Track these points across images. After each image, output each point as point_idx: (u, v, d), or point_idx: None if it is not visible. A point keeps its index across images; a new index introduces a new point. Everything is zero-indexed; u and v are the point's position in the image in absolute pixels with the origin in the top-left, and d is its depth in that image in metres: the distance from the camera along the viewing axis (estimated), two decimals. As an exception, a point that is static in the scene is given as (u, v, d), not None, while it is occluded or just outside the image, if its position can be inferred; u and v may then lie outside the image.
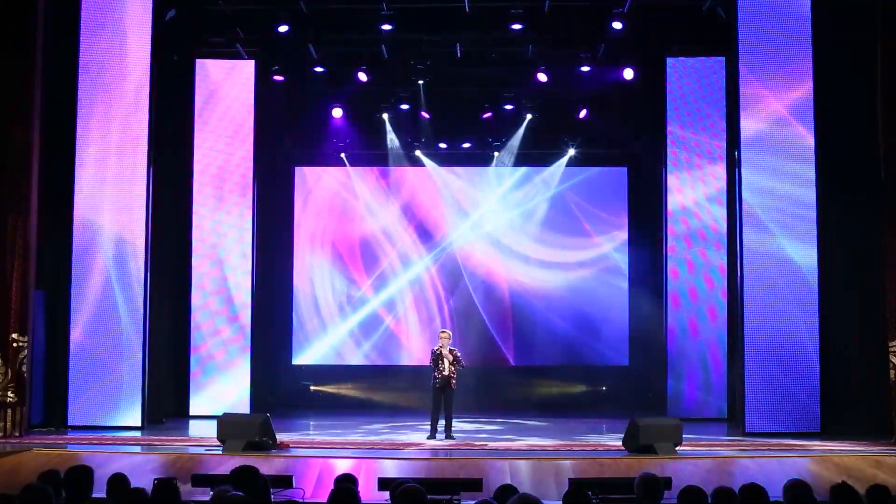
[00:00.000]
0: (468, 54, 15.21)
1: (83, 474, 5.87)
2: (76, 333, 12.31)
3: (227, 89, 15.16)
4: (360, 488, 5.81)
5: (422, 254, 17.24)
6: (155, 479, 5.92)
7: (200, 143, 15.05)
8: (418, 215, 17.26)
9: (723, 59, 14.51)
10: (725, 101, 14.49)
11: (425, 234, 17.27)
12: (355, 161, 17.28)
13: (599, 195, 17.15)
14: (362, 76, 15.27)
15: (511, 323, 17.05)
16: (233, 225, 15.01)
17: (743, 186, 12.17)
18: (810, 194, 12.01)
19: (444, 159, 17.26)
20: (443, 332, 12.45)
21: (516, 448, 10.97)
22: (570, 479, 8.04)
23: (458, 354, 12.19)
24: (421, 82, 15.45)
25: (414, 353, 16.87)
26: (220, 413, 11.88)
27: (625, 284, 16.93)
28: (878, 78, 11.60)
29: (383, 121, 16.58)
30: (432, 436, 11.91)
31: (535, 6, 13.58)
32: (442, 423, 12.05)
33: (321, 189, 17.40)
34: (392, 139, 16.70)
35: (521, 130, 16.56)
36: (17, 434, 11.35)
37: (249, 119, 15.13)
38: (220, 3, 13.81)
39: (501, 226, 17.24)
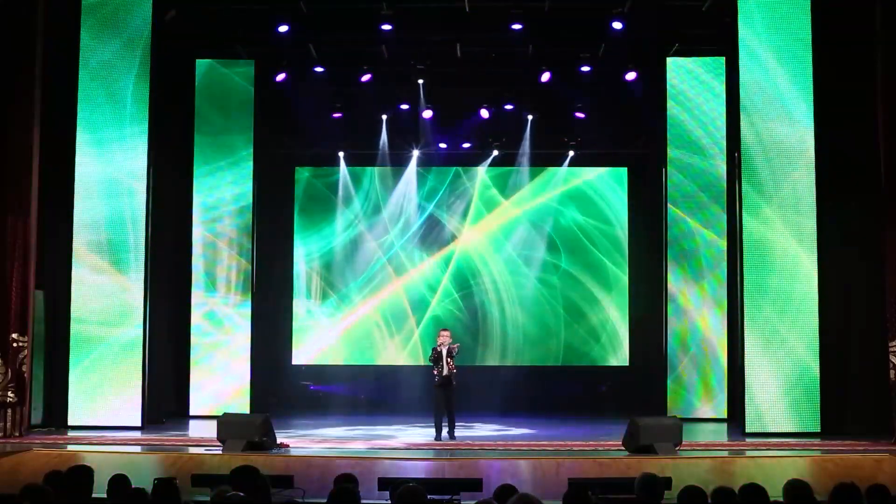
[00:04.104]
0: (468, 54, 15.20)
1: (83, 474, 5.87)
2: (76, 333, 12.31)
3: (226, 89, 15.17)
4: (360, 488, 5.80)
5: (422, 253, 17.24)
6: (155, 479, 5.92)
7: (200, 142, 15.07)
8: (418, 215, 17.25)
9: (723, 59, 14.52)
10: (725, 101, 14.49)
11: (426, 233, 17.27)
12: (355, 161, 17.27)
13: (599, 196, 17.15)
14: (363, 76, 15.26)
15: (511, 323, 17.04)
16: (233, 225, 15.02)
17: (743, 186, 12.17)
18: (810, 194, 12.02)
19: (444, 159, 17.25)
20: (442, 331, 12.44)
21: (516, 448, 10.97)
22: (569, 479, 8.04)
23: (454, 349, 12.15)
24: (421, 82, 15.44)
25: (414, 352, 16.87)
26: (220, 413, 11.90)
27: (625, 284, 16.94)
28: (878, 78, 11.59)
29: (383, 121, 16.55)
30: (438, 437, 11.88)
31: (535, 6, 13.57)
32: (444, 423, 12.03)
33: (321, 189, 17.39)
34: (384, 141, 16.68)
35: (528, 133, 16.54)
36: (17, 434, 11.35)
37: (249, 119, 15.14)
38: (220, 3, 13.80)
39: (501, 226, 17.24)
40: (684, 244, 14.88)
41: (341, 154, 17.13)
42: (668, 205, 14.94)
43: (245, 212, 15.07)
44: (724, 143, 14.63)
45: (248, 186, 15.10)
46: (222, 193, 15.09)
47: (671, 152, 14.89)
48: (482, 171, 17.27)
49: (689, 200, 14.87)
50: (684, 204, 14.88)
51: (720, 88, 14.70)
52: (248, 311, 14.99)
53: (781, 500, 5.46)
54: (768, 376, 11.90)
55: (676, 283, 14.86)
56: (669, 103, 14.90)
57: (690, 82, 14.90)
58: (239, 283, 15.02)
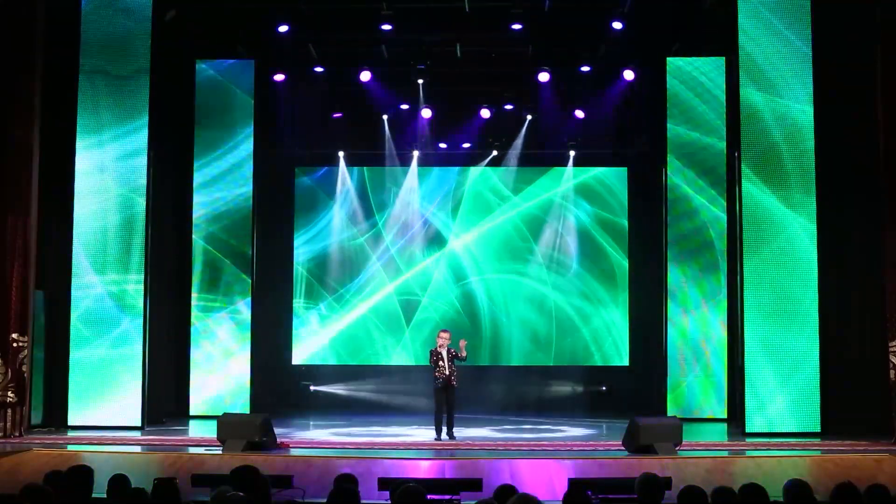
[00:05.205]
0: (468, 54, 15.20)
1: (83, 474, 5.87)
2: (76, 333, 12.31)
3: (226, 89, 15.19)
4: (360, 488, 5.80)
5: (421, 254, 17.24)
6: (155, 479, 5.93)
7: (200, 142, 15.08)
8: (418, 215, 17.25)
9: (723, 59, 14.52)
10: (725, 101, 14.50)
11: (425, 234, 17.26)
12: (355, 161, 17.28)
13: (599, 195, 17.15)
14: (363, 76, 15.26)
15: (511, 323, 17.04)
16: (233, 225, 15.03)
17: (743, 186, 12.17)
18: (811, 194, 12.01)
19: (444, 159, 17.26)
20: (442, 332, 12.34)
21: (516, 448, 10.97)
22: (570, 479, 8.04)
23: (454, 351, 12.09)
24: (421, 82, 15.44)
25: (414, 352, 16.86)
26: (220, 413, 11.90)
27: (625, 284, 16.93)
28: (877, 78, 11.59)
29: (383, 121, 16.58)
30: (438, 437, 11.89)
31: (535, 6, 13.57)
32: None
33: (320, 189, 17.40)
34: (384, 142, 16.69)
35: (523, 132, 16.57)
36: (17, 434, 11.34)
37: (250, 119, 15.15)
38: (220, 3, 13.80)
39: (502, 225, 17.24)
40: (684, 243, 14.88)
41: (341, 154, 17.14)
42: (668, 204, 14.94)
43: (245, 212, 15.07)
44: (723, 142, 14.61)
45: (248, 186, 15.10)
46: (222, 193, 15.09)
47: (671, 152, 14.86)
48: (482, 171, 17.26)
49: (689, 200, 14.86)
50: (683, 203, 14.87)
51: (720, 88, 14.68)
52: (248, 312, 14.99)
53: (781, 500, 5.47)
54: (768, 376, 11.89)
55: (676, 282, 14.86)
56: (669, 103, 14.86)
57: (691, 82, 14.89)
58: (239, 283, 15.02)
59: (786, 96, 12.12)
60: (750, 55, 12.16)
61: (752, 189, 12.09)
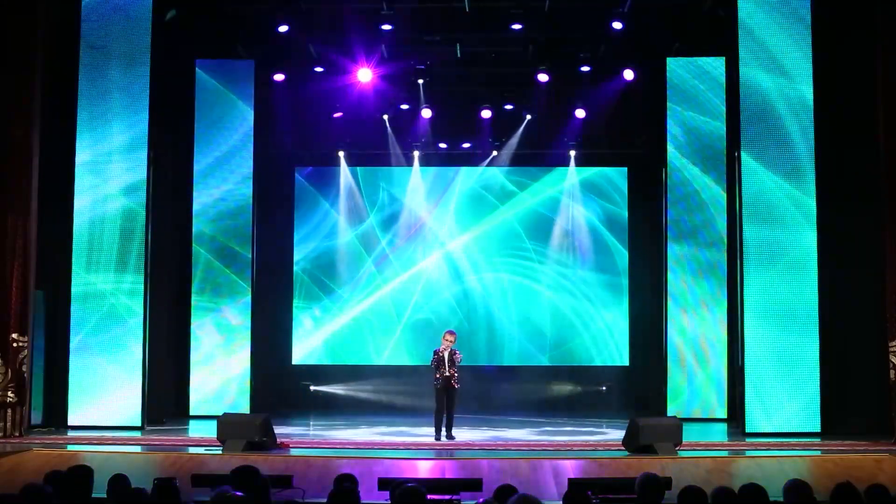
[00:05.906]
0: (468, 54, 15.20)
1: (83, 474, 5.88)
2: (76, 333, 12.31)
3: (226, 89, 15.19)
4: (360, 488, 5.81)
5: (422, 253, 17.24)
6: (155, 479, 5.93)
7: (200, 143, 15.08)
8: (418, 215, 17.26)
9: (723, 59, 14.52)
10: (725, 101, 14.49)
11: (426, 232, 17.27)
12: (355, 161, 17.28)
13: (599, 195, 17.15)
14: (362, 76, 15.25)
15: (510, 323, 17.04)
16: (233, 225, 15.03)
17: (743, 186, 12.17)
18: (810, 193, 12.02)
19: (444, 159, 17.26)
20: (448, 333, 12.24)
21: (516, 448, 10.97)
22: (569, 479, 8.05)
23: (455, 355, 12.08)
24: (421, 82, 15.44)
25: (415, 352, 16.86)
26: (220, 413, 11.90)
27: (625, 284, 16.93)
28: (878, 78, 11.59)
29: (383, 121, 16.59)
30: (438, 437, 11.88)
31: (535, 6, 13.57)
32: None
33: (321, 189, 17.40)
34: (384, 141, 16.70)
35: (520, 131, 16.58)
36: (17, 434, 11.34)
37: (249, 119, 15.16)
38: (220, 3, 13.80)
39: (502, 225, 17.24)
40: (684, 243, 14.88)
41: (341, 154, 17.14)
42: (668, 204, 14.94)
43: (245, 212, 15.08)
44: (724, 142, 14.62)
45: (247, 186, 15.11)
46: (222, 193, 15.09)
47: (671, 152, 14.87)
48: (481, 171, 17.26)
49: (689, 200, 14.86)
50: (683, 203, 14.88)
51: (720, 88, 14.68)
52: (247, 311, 15.00)
53: (781, 500, 5.47)
54: (768, 376, 11.89)
55: (676, 282, 14.85)
56: (669, 103, 14.87)
57: (690, 82, 14.89)
58: (238, 282, 15.03)
59: (785, 96, 12.11)
60: (749, 55, 12.14)
61: (752, 188, 12.09)
